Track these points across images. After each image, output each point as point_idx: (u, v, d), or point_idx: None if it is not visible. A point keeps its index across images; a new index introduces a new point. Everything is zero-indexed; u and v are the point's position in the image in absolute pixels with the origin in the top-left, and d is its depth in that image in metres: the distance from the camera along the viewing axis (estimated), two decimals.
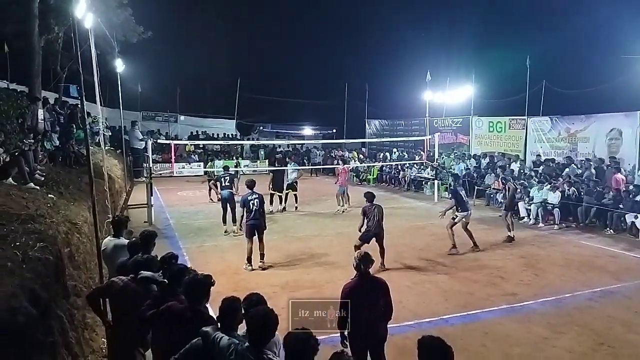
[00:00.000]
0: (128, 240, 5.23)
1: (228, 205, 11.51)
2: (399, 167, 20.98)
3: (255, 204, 8.50)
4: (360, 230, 8.52)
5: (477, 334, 5.90)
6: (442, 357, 2.60)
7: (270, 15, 35.82)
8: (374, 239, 8.34)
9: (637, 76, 14.46)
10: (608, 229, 11.54)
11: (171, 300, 3.57)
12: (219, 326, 3.15)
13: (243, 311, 3.24)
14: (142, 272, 3.98)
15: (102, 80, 11.12)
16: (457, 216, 9.69)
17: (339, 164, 16.47)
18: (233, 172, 12.67)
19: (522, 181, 13.79)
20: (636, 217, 10.94)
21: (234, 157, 25.30)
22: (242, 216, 8.69)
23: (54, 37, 14.30)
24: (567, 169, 14.62)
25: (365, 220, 8.42)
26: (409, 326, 5.81)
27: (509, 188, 11.40)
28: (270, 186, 14.41)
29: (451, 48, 28.13)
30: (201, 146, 26.75)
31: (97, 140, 14.17)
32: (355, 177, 22.33)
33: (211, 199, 15.81)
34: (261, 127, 33.00)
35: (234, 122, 30.97)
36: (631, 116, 14.25)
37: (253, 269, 8.39)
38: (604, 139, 15.17)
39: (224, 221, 11.53)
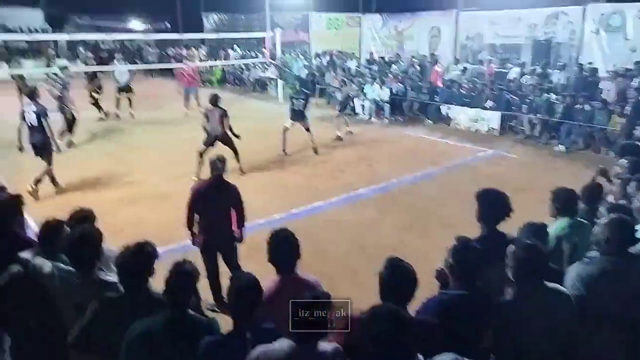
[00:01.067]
0: None
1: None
2: (243, 66, 20.25)
3: (32, 119, 6.92)
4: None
5: (319, 222, 6.45)
6: (288, 247, 2.73)
7: None
8: (220, 143, 8.13)
9: None
10: (427, 120, 13.12)
11: None
12: (39, 249, 2.80)
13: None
14: None
15: None
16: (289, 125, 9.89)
17: (183, 63, 15.32)
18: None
19: (358, 79, 14.56)
20: (449, 108, 12.62)
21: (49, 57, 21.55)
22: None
23: None
24: (394, 66, 15.83)
25: (208, 124, 8.11)
26: (259, 224, 6.00)
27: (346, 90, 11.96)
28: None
29: None
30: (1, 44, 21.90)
31: None
32: None
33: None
34: (77, 19, 28.02)
35: (41, 12, 25.67)
36: (447, 14, 15.72)
37: (34, 190, 7.03)
38: (426, 36, 16.62)
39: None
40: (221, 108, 8.15)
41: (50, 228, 2.81)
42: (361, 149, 10.43)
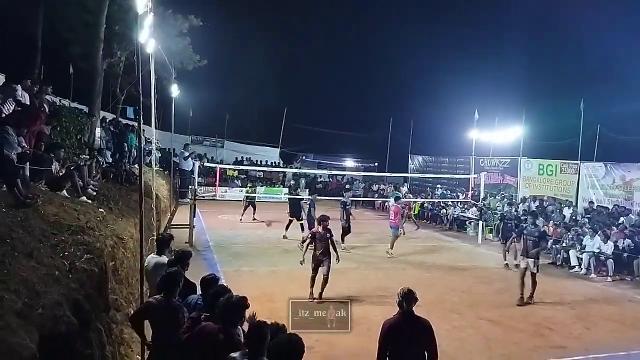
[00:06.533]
0: (168, 259, 5.32)
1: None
2: (442, 204, 20.50)
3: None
4: None
5: None
6: None
7: (320, 47, 36.82)
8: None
9: None
10: None
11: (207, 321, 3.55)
12: (247, 352, 3.09)
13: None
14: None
15: (158, 104, 11.49)
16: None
17: (391, 199, 14.41)
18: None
19: (575, 228, 13.09)
20: None
21: (275, 184, 25.80)
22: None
23: (116, 60, 15.07)
24: (622, 218, 13.76)
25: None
26: None
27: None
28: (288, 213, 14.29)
29: (500, 87, 27.75)
30: (244, 172, 27.28)
31: (148, 161, 14.66)
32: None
33: (240, 219, 17.22)
34: (304, 157, 33.42)
35: (278, 150, 31.54)
36: None
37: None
38: None
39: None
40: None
41: (259, 332, 3.11)
42: (576, 306, 8.89)
